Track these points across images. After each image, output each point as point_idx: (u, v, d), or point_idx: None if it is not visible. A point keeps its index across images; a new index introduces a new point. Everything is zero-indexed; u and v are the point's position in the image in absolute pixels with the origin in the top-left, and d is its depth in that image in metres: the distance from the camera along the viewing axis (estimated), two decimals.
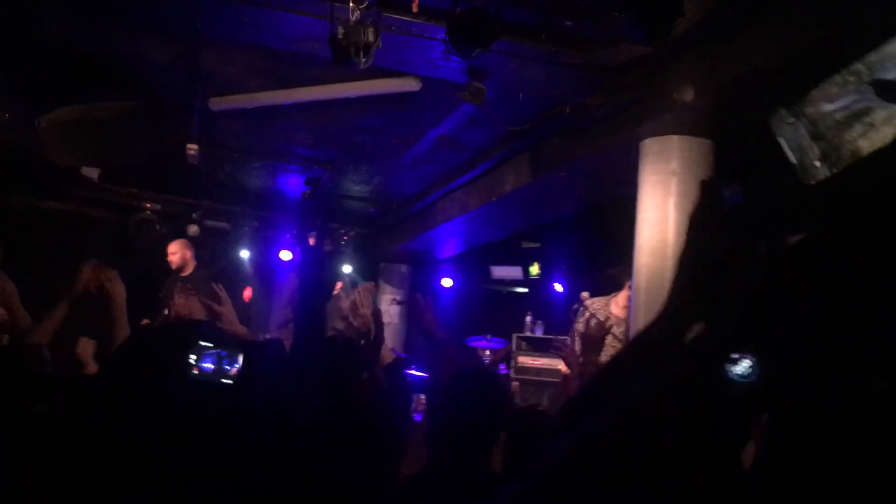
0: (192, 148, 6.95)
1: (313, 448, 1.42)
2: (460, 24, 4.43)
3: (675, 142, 5.28)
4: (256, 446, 1.39)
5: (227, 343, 1.54)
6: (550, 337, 8.85)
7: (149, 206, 9.41)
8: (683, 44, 4.79)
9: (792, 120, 1.18)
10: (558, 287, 9.68)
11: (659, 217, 5.30)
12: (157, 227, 9.27)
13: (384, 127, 7.10)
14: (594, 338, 5.87)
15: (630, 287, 6.08)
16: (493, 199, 7.69)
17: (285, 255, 9.78)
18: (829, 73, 1.19)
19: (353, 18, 4.40)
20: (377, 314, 3.03)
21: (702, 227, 1.10)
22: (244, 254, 9.65)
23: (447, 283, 11.10)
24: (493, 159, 7.44)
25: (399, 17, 4.67)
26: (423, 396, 5.10)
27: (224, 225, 9.86)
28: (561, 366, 6.70)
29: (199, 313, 3.51)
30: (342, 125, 7.12)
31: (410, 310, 3.35)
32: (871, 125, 1.15)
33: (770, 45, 4.36)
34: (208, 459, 1.36)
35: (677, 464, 0.83)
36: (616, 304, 6.59)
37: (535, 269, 10.46)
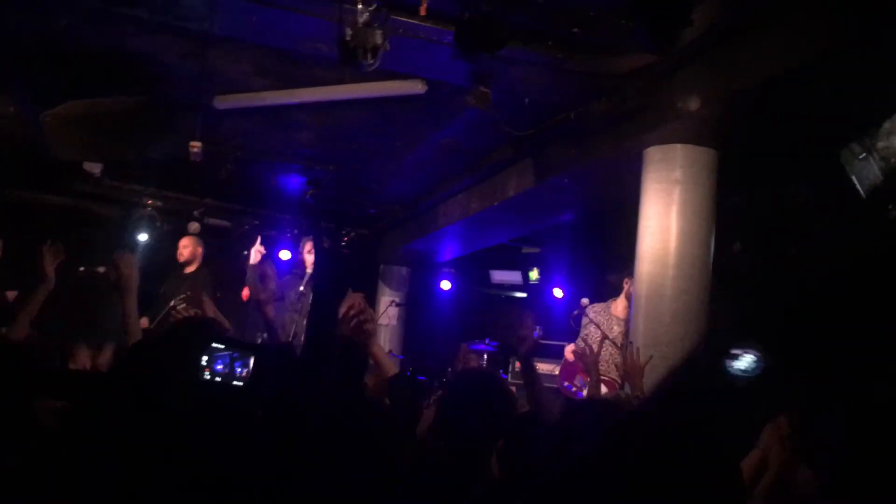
0: (196, 146, 6.95)
1: (322, 449, 1.42)
2: (468, 29, 4.44)
3: (679, 150, 5.28)
4: (266, 447, 1.40)
5: (238, 345, 1.54)
6: (550, 343, 8.84)
7: (150, 202, 9.41)
8: (690, 53, 4.80)
9: (863, 155, 1.18)
10: (558, 292, 9.67)
11: (661, 225, 5.31)
12: (159, 223, 9.27)
13: (388, 129, 7.11)
14: (595, 346, 5.91)
15: (629, 285, 6.09)
16: (496, 203, 7.70)
17: (285, 255, 9.76)
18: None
19: (362, 20, 4.40)
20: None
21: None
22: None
23: (446, 285, 11.10)
24: (497, 164, 7.45)
25: (407, 19, 4.67)
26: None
27: (225, 223, 9.86)
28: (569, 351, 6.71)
29: (211, 310, 3.56)
30: (346, 126, 7.13)
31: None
32: None
33: (776, 55, 4.37)
34: (219, 459, 1.37)
35: (680, 466, 0.84)
36: (616, 306, 6.61)
37: (534, 274, 10.47)
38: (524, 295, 11.21)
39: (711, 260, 5.26)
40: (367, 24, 4.39)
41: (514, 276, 10.92)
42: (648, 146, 5.44)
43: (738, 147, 5.33)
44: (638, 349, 4.49)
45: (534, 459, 2.05)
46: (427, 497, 1.86)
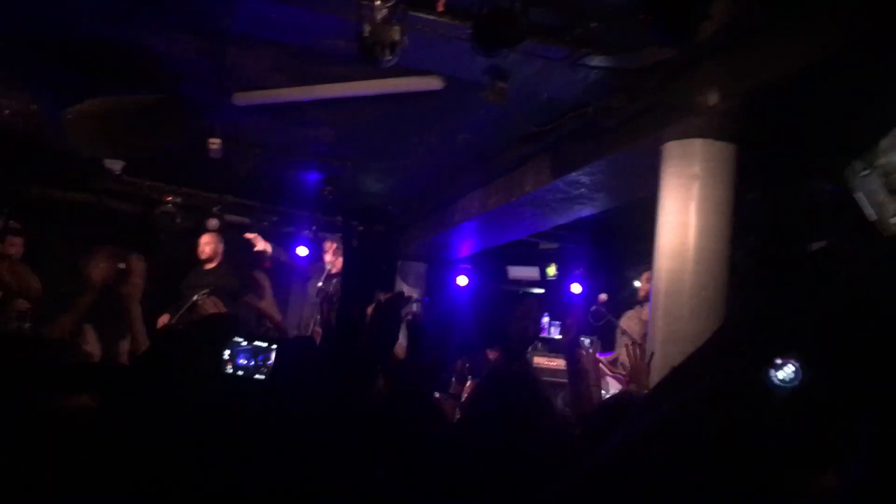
0: (215, 142, 7.01)
1: (345, 444, 1.43)
2: (486, 24, 4.43)
3: (698, 145, 5.26)
4: (289, 441, 1.41)
5: (260, 339, 1.55)
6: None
7: (170, 199, 9.47)
8: (709, 47, 4.77)
9: (865, 172, 1.17)
10: (576, 288, 9.65)
11: (680, 221, 5.28)
12: (178, 220, 9.33)
13: (406, 125, 7.11)
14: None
15: (647, 281, 6.04)
16: (513, 199, 7.69)
17: (302, 251, 9.81)
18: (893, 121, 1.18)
19: (380, 17, 4.41)
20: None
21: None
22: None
23: (462, 280, 11.10)
24: (514, 159, 7.44)
25: (425, 15, 4.67)
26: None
27: (244, 220, 9.91)
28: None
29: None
30: (364, 122, 7.14)
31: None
32: None
33: (797, 49, 4.34)
34: (240, 454, 1.38)
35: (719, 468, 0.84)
36: (645, 312, 6.58)
37: (552, 270, 10.44)
38: (542, 291, 11.19)
39: (731, 256, 5.23)
40: (386, 21, 4.40)
41: (531, 273, 10.90)
42: (667, 141, 5.42)
43: (758, 142, 5.29)
44: (643, 347, 4.45)
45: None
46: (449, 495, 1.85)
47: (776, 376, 0.84)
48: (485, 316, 10.30)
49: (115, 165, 8.22)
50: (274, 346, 1.57)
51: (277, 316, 3.66)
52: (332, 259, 7.21)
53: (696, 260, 5.17)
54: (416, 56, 4.98)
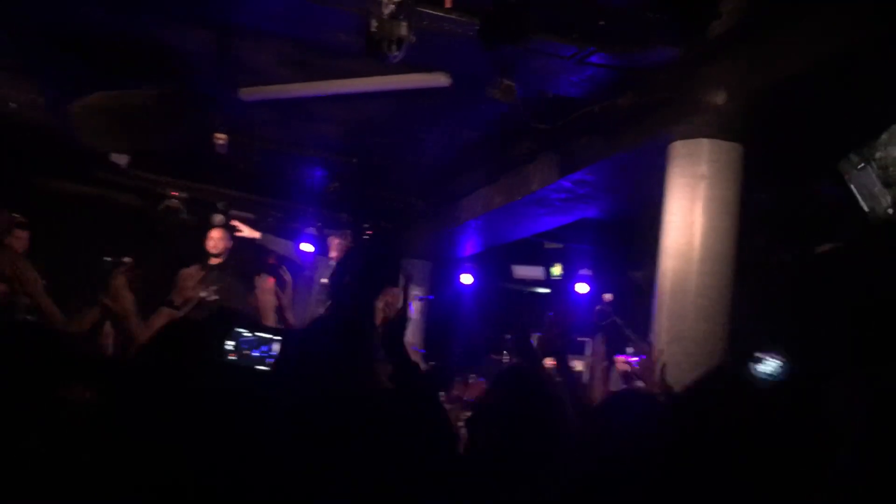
0: (221, 137, 7.01)
1: (347, 434, 1.42)
2: (494, 21, 4.42)
3: (705, 145, 5.23)
4: (292, 430, 1.40)
5: (263, 330, 1.54)
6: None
7: (175, 193, 9.47)
8: (717, 46, 4.75)
9: (861, 165, 1.16)
10: (581, 288, 9.62)
11: (685, 221, 5.26)
12: (183, 214, 9.33)
13: (412, 122, 7.10)
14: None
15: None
16: (519, 197, 7.67)
17: (307, 247, 9.79)
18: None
19: (387, 12, 4.39)
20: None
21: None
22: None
23: (467, 279, 11.07)
24: (520, 157, 7.42)
25: (432, 11, 4.65)
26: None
27: (249, 215, 9.90)
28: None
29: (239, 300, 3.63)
30: (370, 119, 7.13)
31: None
32: None
33: (806, 49, 4.32)
34: (245, 443, 1.37)
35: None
36: None
37: (557, 270, 10.42)
38: (547, 290, 11.17)
39: (737, 256, 5.21)
40: (393, 16, 4.39)
41: (536, 272, 10.87)
42: (674, 140, 5.39)
43: (766, 143, 5.27)
44: (652, 346, 4.44)
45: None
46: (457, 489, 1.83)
47: (759, 370, 0.84)
48: (489, 315, 10.30)
49: (122, 159, 8.22)
50: (277, 337, 1.57)
51: (292, 317, 3.65)
52: (338, 255, 7.21)
53: (702, 260, 5.15)
54: (423, 52, 4.96)
